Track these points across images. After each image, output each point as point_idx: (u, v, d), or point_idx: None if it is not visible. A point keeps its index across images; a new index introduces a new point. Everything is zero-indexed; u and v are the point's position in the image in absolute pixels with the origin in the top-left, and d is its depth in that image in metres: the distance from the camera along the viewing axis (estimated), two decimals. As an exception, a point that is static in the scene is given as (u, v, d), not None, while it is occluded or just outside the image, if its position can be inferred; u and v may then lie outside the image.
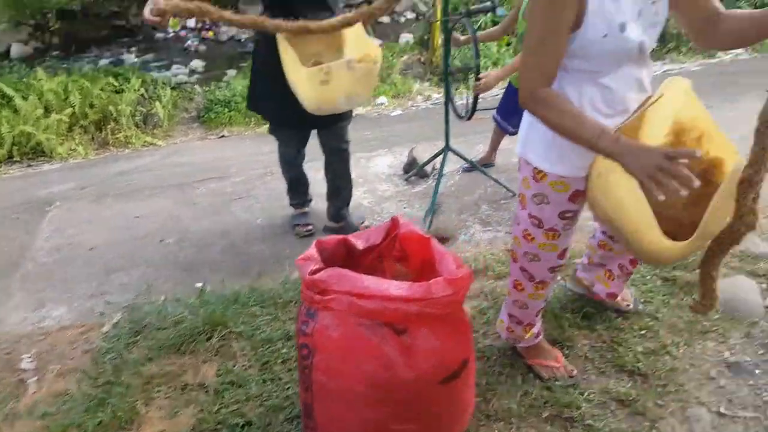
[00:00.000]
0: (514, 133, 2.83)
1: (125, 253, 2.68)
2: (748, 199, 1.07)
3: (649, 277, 2.19)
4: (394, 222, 1.53)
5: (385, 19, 7.00)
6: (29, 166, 4.30)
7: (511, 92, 2.81)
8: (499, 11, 2.40)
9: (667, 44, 6.68)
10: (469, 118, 2.57)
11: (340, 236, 1.53)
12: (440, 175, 2.74)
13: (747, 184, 1.06)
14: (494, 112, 2.95)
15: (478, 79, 2.36)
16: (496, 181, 2.90)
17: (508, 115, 2.84)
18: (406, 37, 8.74)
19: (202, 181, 3.40)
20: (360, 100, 2.34)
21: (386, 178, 3.15)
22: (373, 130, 4.27)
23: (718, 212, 1.17)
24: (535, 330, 1.76)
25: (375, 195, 2.97)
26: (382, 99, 5.58)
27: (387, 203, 2.91)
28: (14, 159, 4.35)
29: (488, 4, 2.31)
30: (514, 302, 1.69)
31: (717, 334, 1.94)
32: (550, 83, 1.18)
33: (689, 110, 1.26)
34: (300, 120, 2.26)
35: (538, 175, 1.38)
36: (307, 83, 2.05)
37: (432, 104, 5.40)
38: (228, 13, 1.89)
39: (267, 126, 2.62)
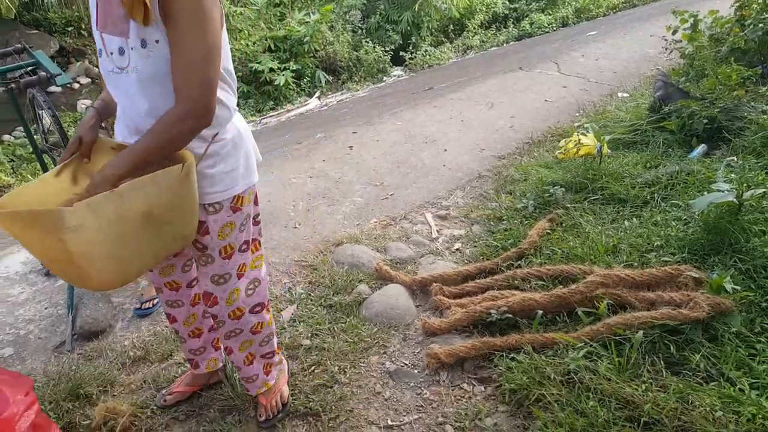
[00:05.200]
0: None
1: None
2: None
3: (314, 309, 2.16)
4: None
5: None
6: None
7: None
8: (61, 79, 1.97)
9: (341, 76, 7.40)
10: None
11: None
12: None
13: None
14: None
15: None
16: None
17: None
18: (86, 104, 7.78)
19: None
20: None
21: (20, 278, 2.52)
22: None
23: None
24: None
25: (5, 304, 2.34)
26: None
27: (22, 309, 2.32)
28: None
29: (43, 75, 1.91)
30: (261, 343, 1.62)
31: (378, 347, 1.97)
32: None
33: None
34: None
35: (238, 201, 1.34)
36: None
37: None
38: None
39: None
